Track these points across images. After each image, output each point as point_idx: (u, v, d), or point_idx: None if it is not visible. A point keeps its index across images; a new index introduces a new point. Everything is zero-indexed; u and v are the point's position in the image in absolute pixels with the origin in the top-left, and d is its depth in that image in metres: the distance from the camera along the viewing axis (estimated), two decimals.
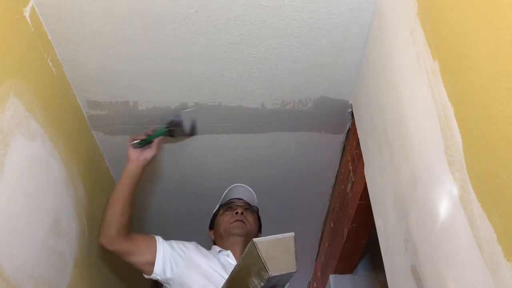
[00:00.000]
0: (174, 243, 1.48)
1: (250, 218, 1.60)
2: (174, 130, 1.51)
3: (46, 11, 1.16)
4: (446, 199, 0.81)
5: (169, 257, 1.42)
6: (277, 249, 1.10)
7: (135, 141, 1.45)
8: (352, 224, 1.67)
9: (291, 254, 1.10)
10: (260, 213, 1.70)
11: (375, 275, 2.10)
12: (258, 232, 1.64)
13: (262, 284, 1.07)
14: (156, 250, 1.42)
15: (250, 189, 1.69)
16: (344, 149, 1.73)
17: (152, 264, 1.41)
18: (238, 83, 1.41)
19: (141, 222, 2.11)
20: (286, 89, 1.44)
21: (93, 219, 1.50)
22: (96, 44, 1.25)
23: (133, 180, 1.43)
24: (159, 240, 1.45)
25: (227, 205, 1.64)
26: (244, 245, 1.42)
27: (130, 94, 1.43)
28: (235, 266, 1.18)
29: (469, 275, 0.75)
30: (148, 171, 1.80)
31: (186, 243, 1.51)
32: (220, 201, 1.68)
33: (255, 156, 1.77)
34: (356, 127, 1.46)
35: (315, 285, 2.52)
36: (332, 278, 2.12)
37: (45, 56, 1.21)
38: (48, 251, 1.21)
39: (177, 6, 1.16)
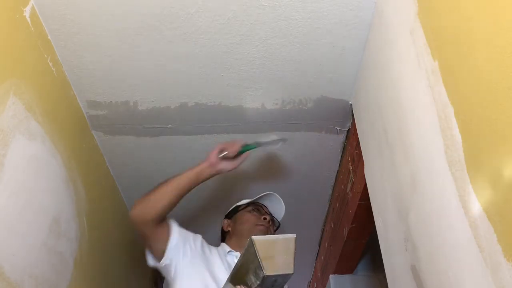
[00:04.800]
0: (186, 234, 1.45)
1: (272, 230, 1.64)
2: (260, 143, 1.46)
3: (46, 11, 1.16)
4: (446, 199, 0.81)
5: (181, 247, 1.39)
6: (276, 249, 1.09)
7: (223, 153, 1.38)
8: (352, 224, 1.67)
9: (290, 255, 1.09)
10: None
11: (375, 275, 2.10)
12: None
13: (258, 282, 1.07)
14: (169, 239, 1.38)
15: (283, 205, 1.70)
16: (344, 149, 1.73)
17: (162, 252, 1.38)
18: (238, 83, 1.41)
19: None
20: (286, 89, 1.44)
21: (93, 219, 1.50)
22: (96, 44, 1.25)
23: (197, 180, 1.39)
24: (174, 229, 1.41)
25: (257, 206, 1.64)
26: None
27: (130, 94, 1.43)
28: (237, 262, 1.18)
29: (469, 275, 0.75)
30: (149, 171, 1.81)
31: (196, 236, 1.48)
32: (252, 199, 1.68)
33: (254, 156, 1.77)
34: (356, 127, 1.46)
35: (315, 285, 2.51)
36: (332, 278, 2.11)
37: (45, 56, 1.21)
38: (48, 251, 1.21)
39: (177, 6, 1.16)
